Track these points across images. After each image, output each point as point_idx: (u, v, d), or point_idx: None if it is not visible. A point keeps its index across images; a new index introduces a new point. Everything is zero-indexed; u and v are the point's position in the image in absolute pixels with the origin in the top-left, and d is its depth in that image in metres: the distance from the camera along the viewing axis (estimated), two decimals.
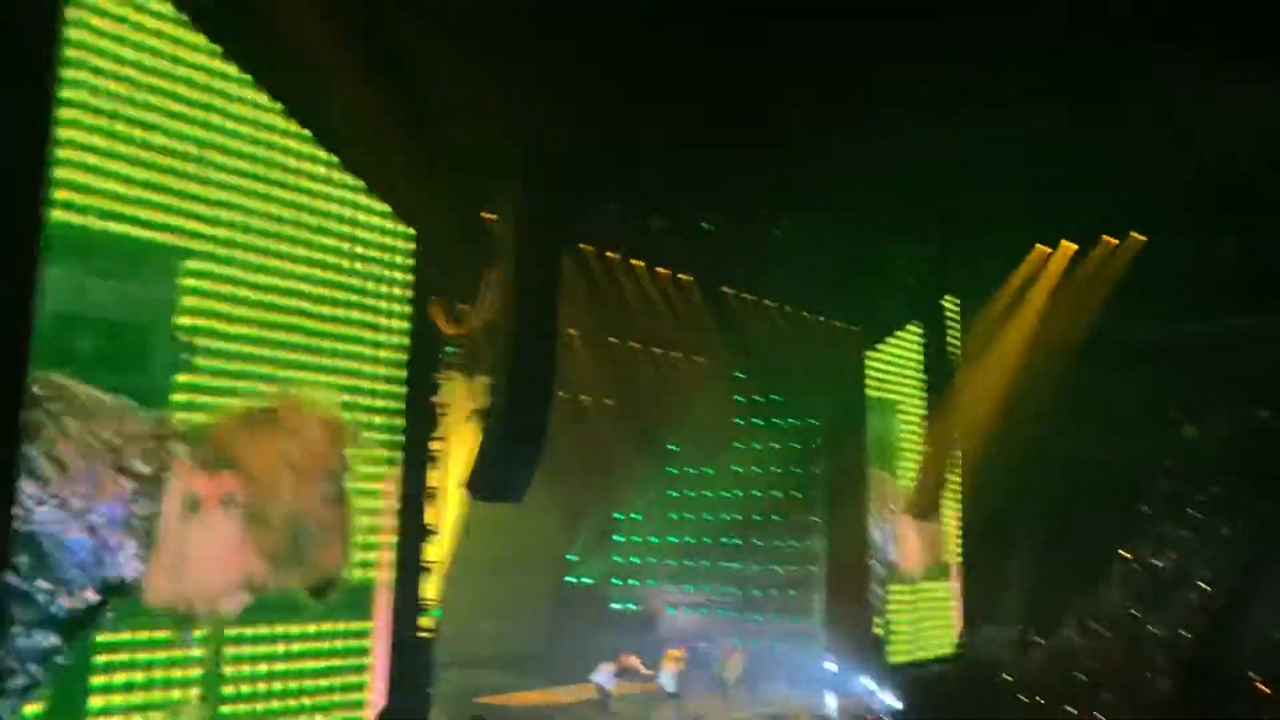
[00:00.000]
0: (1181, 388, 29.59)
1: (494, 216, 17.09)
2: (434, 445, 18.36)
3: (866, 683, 23.51)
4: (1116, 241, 26.04)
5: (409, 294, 17.38)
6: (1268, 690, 20.74)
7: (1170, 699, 21.42)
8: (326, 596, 14.91)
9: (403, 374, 17.29)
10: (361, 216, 16.59)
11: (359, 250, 16.60)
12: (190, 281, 14.15)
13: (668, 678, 21.22)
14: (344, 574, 15.15)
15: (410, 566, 17.70)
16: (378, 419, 16.97)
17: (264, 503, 13.52)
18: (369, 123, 15.70)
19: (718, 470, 27.93)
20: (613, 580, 28.74)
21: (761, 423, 27.78)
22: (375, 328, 16.89)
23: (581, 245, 20.60)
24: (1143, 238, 25.68)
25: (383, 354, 17.06)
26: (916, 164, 21.40)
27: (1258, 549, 25.83)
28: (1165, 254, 25.84)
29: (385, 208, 16.74)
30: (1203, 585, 25.23)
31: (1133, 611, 25.12)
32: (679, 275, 22.98)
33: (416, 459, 17.96)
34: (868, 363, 26.65)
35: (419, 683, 17.58)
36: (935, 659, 27.13)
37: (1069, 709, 21.55)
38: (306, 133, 15.54)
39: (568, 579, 28.21)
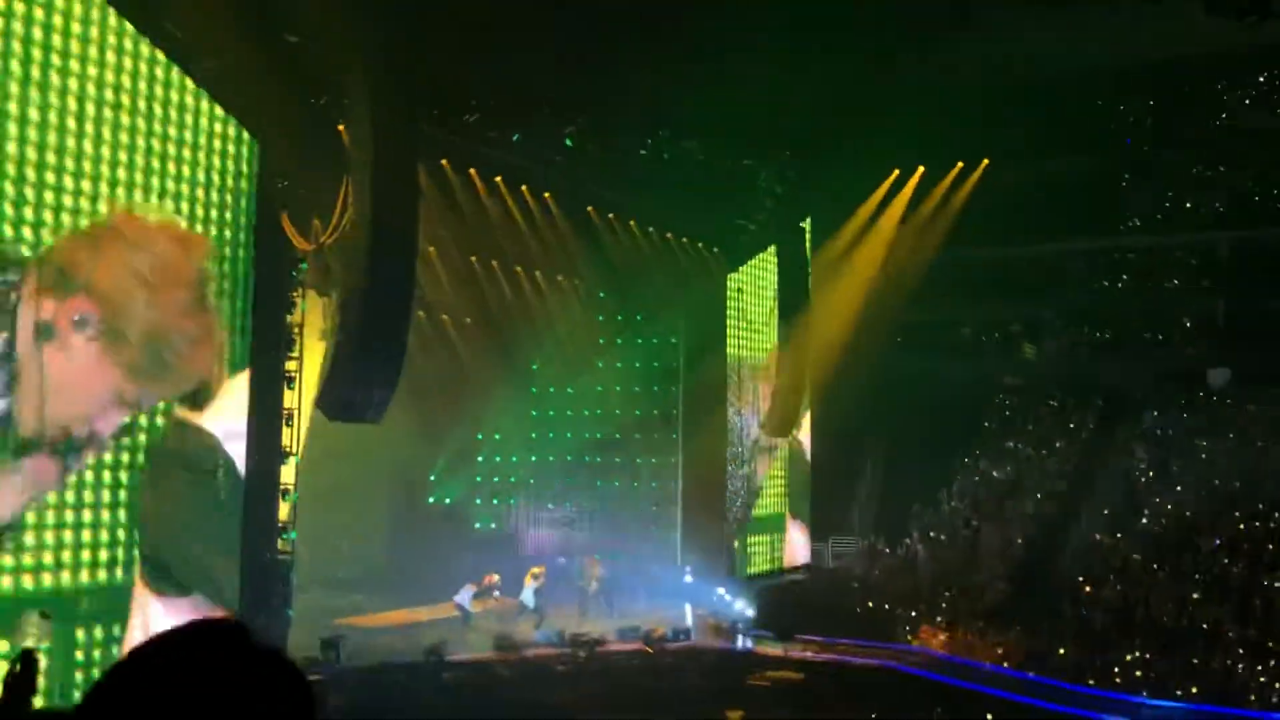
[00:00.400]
0: (1021, 308, 31.05)
1: (346, 128, 16.58)
2: (288, 365, 17.94)
3: (722, 594, 24.24)
4: (961, 164, 26.91)
5: (255, 207, 16.79)
6: (1091, 590, 22.19)
7: (1006, 601, 22.72)
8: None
9: (249, 291, 16.76)
10: (202, 123, 15.89)
11: (199, 157, 15.91)
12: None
13: (528, 594, 21.46)
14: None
15: (266, 488, 17.36)
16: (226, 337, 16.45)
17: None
18: (212, 29, 14.98)
19: (579, 390, 28.07)
20: (475, 500, 28.74)
21: (622, 342, 27.98)
22: (220, 241, 16.27)
23: (441, 161, 20.18)
24: (985, 163, 26.61)
25: (228, 269, 16.49)
26: (776, 90, 21.62)
27: (1086, 460, 27.44)
28: (1004, 181, 26.89)
29: (227, 115, 16.06)
30: (1036, 495, 26.70)
31: (972, 521, 26.45)
32: (543, 194, 22.78)
33: (269, 380, 17.52)
34: (727, 285, 27.04)
35: (277, 604, 17.37)
36: (787, 569, 28.16)
37: (912, 613, 22.65)
38: (146, 38, 14.76)
39: (429, 499, 28.09)
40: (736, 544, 26.67)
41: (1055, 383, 30.19)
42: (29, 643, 4.29)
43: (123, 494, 14.53)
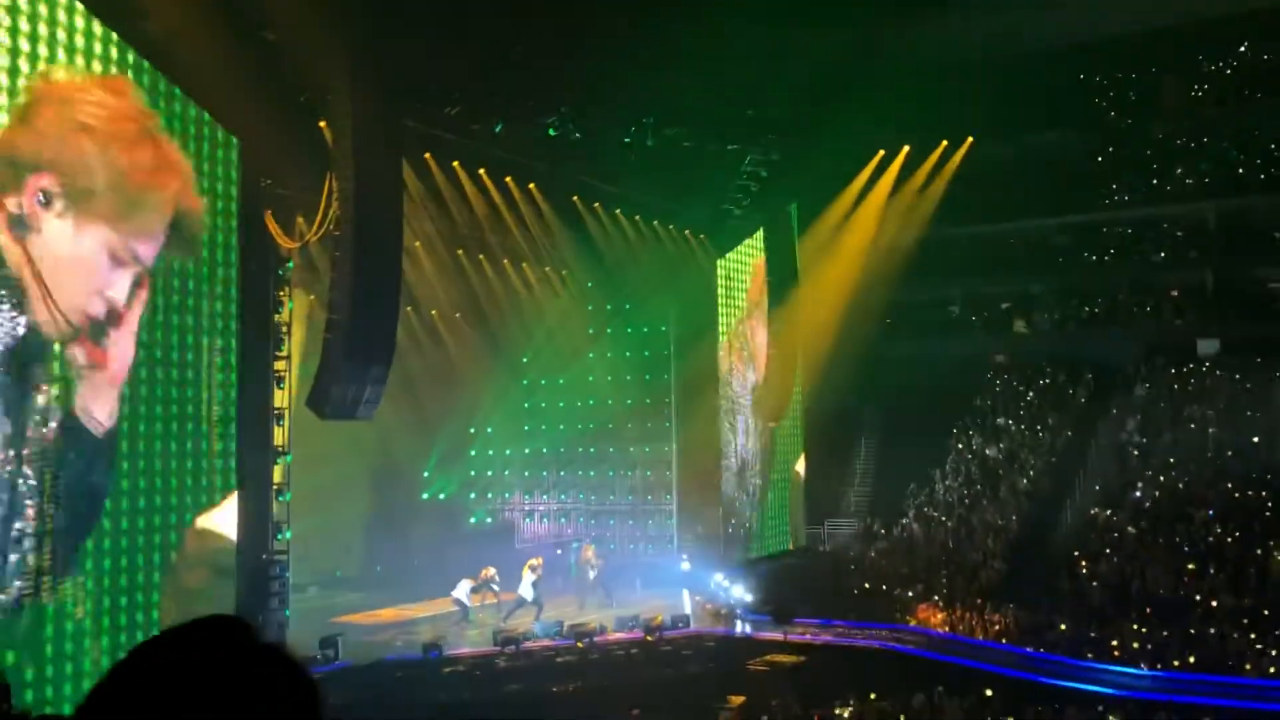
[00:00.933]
0: (1009, 285, 31.08)
1: (328, 125, 16.48)
2: (277, 365, 17.89)
3: (720, 579, 24.26)
4: (946, 143, 26.90)
5: (238, 207, 16.69)
6: (1087, 564, 22.27)
7: (1002, 578, 22.77)
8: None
9: (235, 292, 16.68)
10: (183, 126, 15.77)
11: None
12: None
13: (527, 586, 21.44)
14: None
15: (260, 488, 17.32)
16: (217, 341, 16.39)
17: (78, 178, 13.25)
18: (189, 29, 14.86)
19: (570, 380, 28.05)
20: (469, 494, 28.73)
21: (612, 332, 27.95)
22: (205, 242, 16.16)
23: (424, 154, 20.08)
24: (969, 140, 26.61)
25: (213, 271, 16.40)
26: (758, 73, 21.58)
27: (1079, 434, 27.51)
28: (989, 158, 26.90)
29: (208, 116, 15.95)
30: (1030, 471, 26.77)
31: (966, 500, 26.50)
32: (527, 185, 22.69)
33: (260, 379, 17.46)
34: (716, 270, 27.01)
35: (273, 603, 17.34)
36: (784, 553, 28.20)
37: (909, 593, 22.71)
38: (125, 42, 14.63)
39: (423, 495, 28.07)
40: (732, 530, 26.68)
41: (1046, 358, 30.25)
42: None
43: None
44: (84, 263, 13.54)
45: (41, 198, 12.96)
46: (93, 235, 13.50)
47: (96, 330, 13.79)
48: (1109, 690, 17.91)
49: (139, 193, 13.99)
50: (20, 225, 12.77)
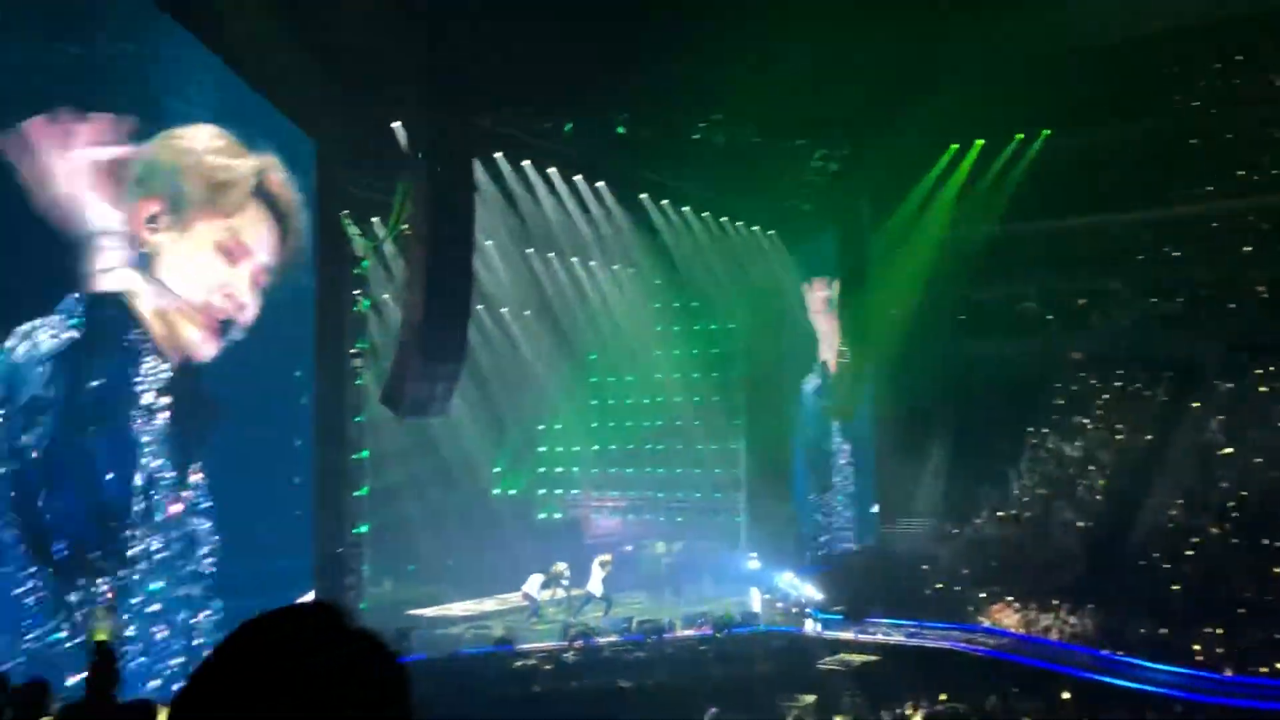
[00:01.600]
0: (1086, 281, 30.38)
1: (402, 127, 16.74)
2: (354, 363, 18.22)
3: (789, 578, 24.15)
4: (1021, 136, 26.38)
5: (315, 208, 17.05)
6: (1168, 565, 21.77)
7: (1079, 579, 22.33)
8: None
9: (313, 291, 17.05)
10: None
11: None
12: None
13: (596, 582, 21.57)
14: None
15: (335, 483, 17.67)
16: (294, 340, 16.77)
17: (170, 186, 14.03)
18: (267, 36, 15.19)
19: (639, 378, 28.11)
20: (538, 490, 28.94)
21: (681, 329, 27.93)
22: (281, 245, 16.56)
23: (495, 154, 20.29)
24: (1045, 133, 26.06)
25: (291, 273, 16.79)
26: (828, 67, 21.39)
27: (1159, 433, 26.86)
28: (1064, 151, 26.31)
29: (287, 120, 16.30)
30: (1108, 470, 26.20)
31: (1042, 499, 26.03)
32: (596, 183, 22.81)
33: (335, 377, 17.81)
34: (785, 267, 26.86)
35: (348, 596, 17.67)
36: (854, 552, 27.96)
37: (982, 593, 22.39)
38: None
39: (493, 491, 28.34)
40: (801, 528, 26.54)
41: (1124, 356, 29.50)
42: (100, 636, 4.43)
43: None
44: (199, 262, 14.16)
45: (148, 219, 13.55)
46: (197, 234, 14.09)
47: (225, 326, 14.45)
48: (1189, 695, 17.48)
49: (213, 173, 14.50)
50: (143, 261, 13.38)
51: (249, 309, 14.74)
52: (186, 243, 14.06)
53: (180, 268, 14.16)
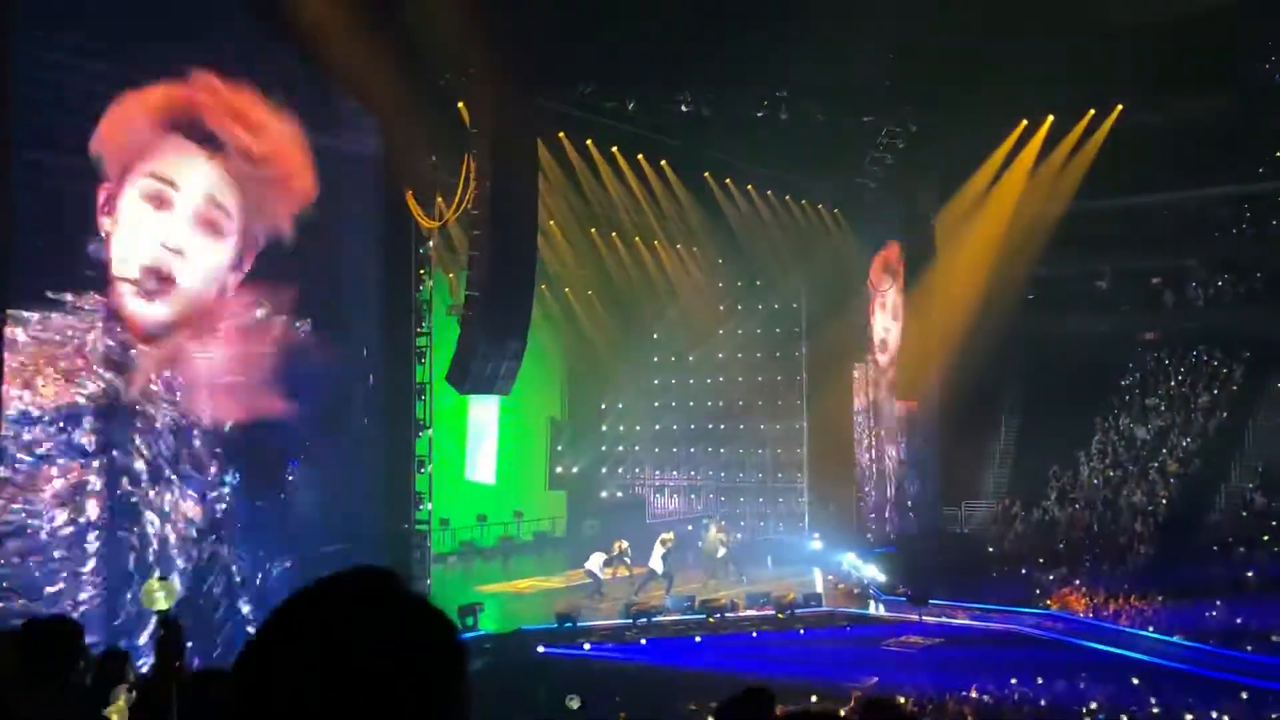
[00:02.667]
0: (1160, 259, 29.66)
1: (466, 106, 16.82)
2: (418, 341, 18.40)
3: (852, 559, 24.01)
4: (1093, 111, 25.73)
5: (380, 187, 17.21)
6: (1244, 550, 21.27)
7: (1150, 564, 21.92)
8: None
9: (380, 270, 17.23)
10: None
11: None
12: None
13: (657, 560, 21.63)
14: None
15: (402, 461, 17.89)
16: (359, 318, 16.97)
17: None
18: (333, 15, 15.30)
19: (701, 358, 28.06)
20: (600, 469, 29.08)
21: (743, 308, 27.81)
22: (349, 222, 16.73)
23: (559, 134, 20.32)
24: (1119, 108, 25.39)
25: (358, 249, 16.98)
26: (895, 43, 21.07)
27: (1235, 415, 26.22)
28: (1139, 125, 25.61)
29: (352, 99, 16.44)
30: (1181, 453, 25.64)
31: (1112, 481, 25.56)
32: (659, 162, 22.75)
33: (402, 356, 18.00)
34: (850, 246, 26.57)
35: (415, 572, 17.90)
36: (919, 534, 27.71)
37: (1049, 576, 22.08)
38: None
39: (556, 469, 28.53)
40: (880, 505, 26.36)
41: (1199, 335, 28.80)
42: (160, 606, 4.58)
43: None
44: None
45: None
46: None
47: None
48: (1263, 682, 17.06)
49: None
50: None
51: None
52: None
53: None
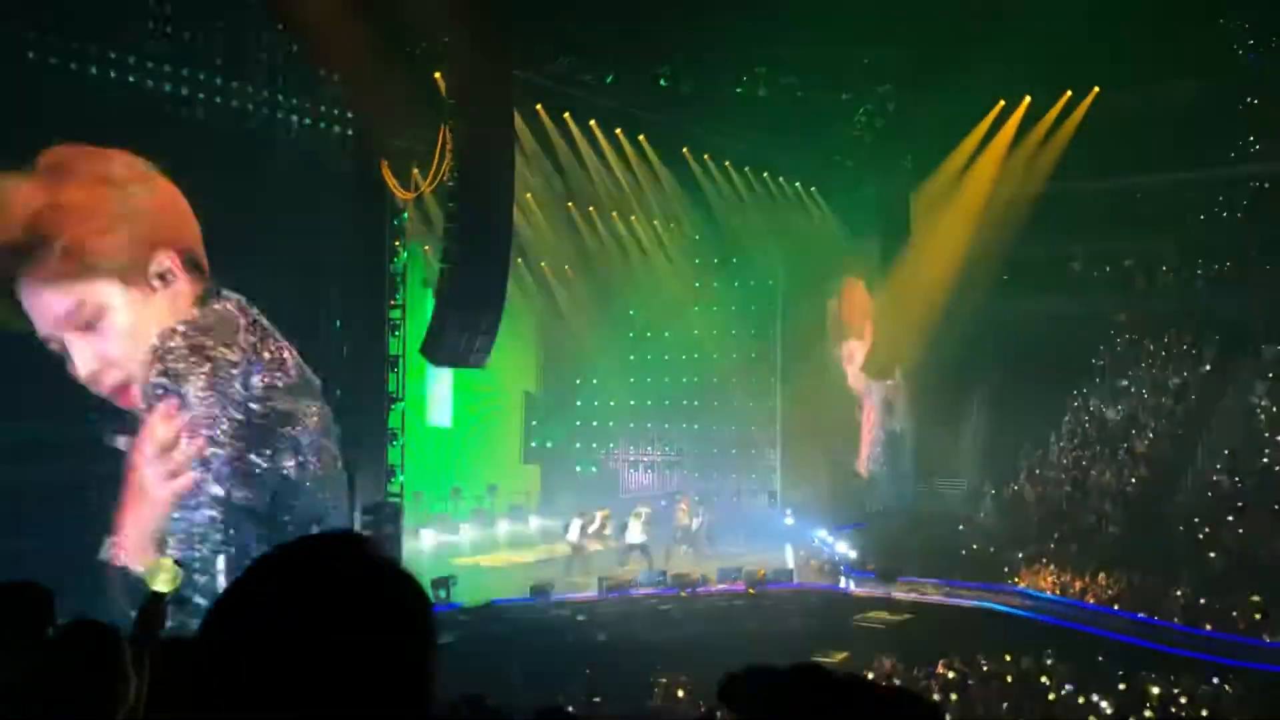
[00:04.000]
0: (1133, 241, 29.86)
1: (442, 76, 16.68)
2: (392, 314, 18.30)
3: (824, 535, 24.16)
4: (1070, 93, 25.82)
5: (354, 158, 17.07)
6: (1209, 531, 21.54)
7: (1117, 543, 22.18)
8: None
9: (353, 240, 17.11)
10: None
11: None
12: None
13: (636, 533, 21.67)
14: None
15: (374, 433, 17.84)
16: (332, 290, 16.85)
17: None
18: None
19: (676, 333, 28.06)
20: (575, 444, 29.08)
21: (719, 285, 27.81)
22: (322, 192, 16.60)
23: (535, 106, 20.18)
24: (1095, 90, 25.50)
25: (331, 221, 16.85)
26: (874, 20, 21.01)
27: (1203, 397, 26.50)
28: (1114, 108, 25.73)
29: (325, 67, 16.26)
30: (1150, 434, 25.91)
31: (1082, 462, 25.81)
32: (637, 136, 22.65)
33: (374, 328, 17.91)
34: (825, 224, 26.60)
35: (388, 547, 17.89)
36: (891, 511, 27.91)
37: (1019, 554, 22.30)
38: None
39: (530, 443, 28.52)
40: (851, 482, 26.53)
41: (1170, 318, 29.05)
42: (159, 587, 4.57)
43: None
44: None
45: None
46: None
47: None
48: (1228, 661, 17.34)
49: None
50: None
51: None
52: None
53: None
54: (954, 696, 15.57)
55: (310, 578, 1.24)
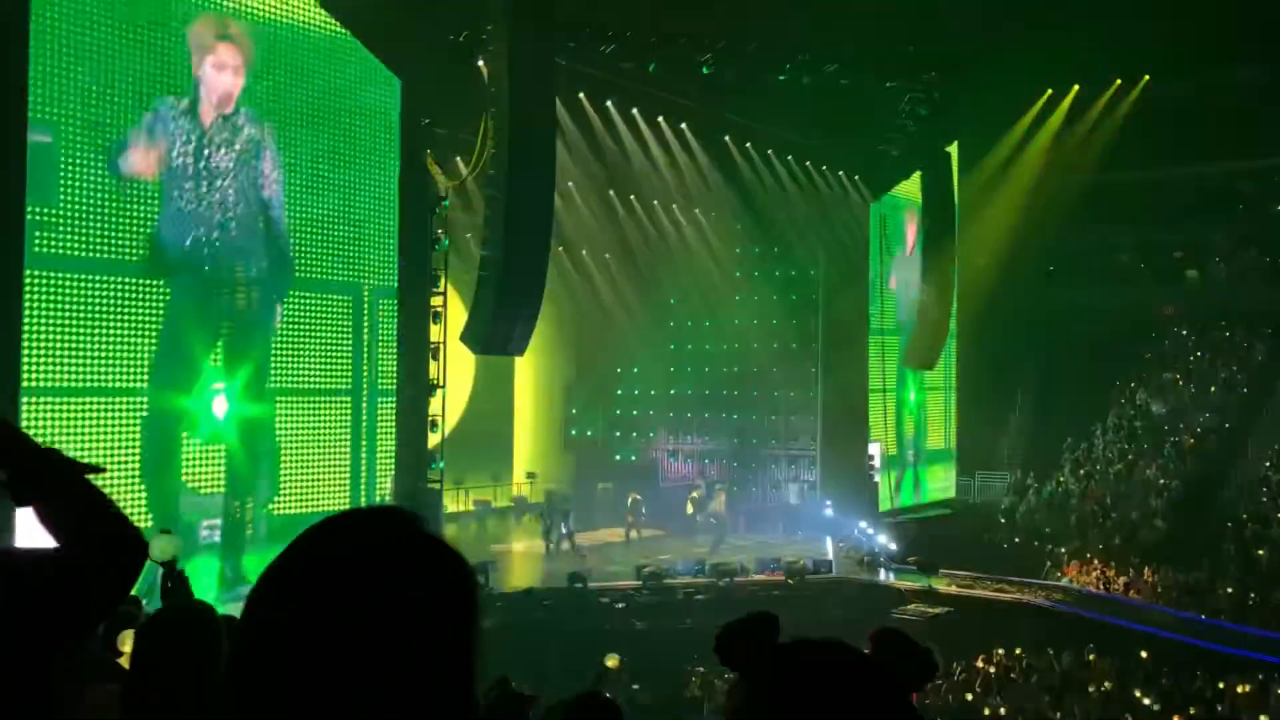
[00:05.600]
0: (1183, 232, 29.34)
1: (485, 64, 16.72)
2: (433, 301, 18.40)
3: (864, 527, 24.03)
4: (1119, 81, 25.40)
5: (399, 146, 17.17)
6: (1257, 527, 21.15)
7: (1163, 538, 21.86)
8: None
9: (396, 227, 17.24)
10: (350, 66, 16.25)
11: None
12: None
13: (703, 510, 21.74)
14: None
15: (415, 420, 17.96)
16: (373, 278, 17.00)
17: None
18: None
19: (717, 323, 27.99)
20: (615, 433, 29.13)
21: (761, 275, 27.67)
22: (368, 180, 16.72)
23: (578, 94, 20.18)
24: (1145, 78, 25.08)
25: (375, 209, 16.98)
26: (922, 7, 20.81)
27: (1254, 392, 26.02)
28: (1165, 97, 25.28)
29: (371, 57, 16.37)
30: (1198, 429, 25.49)
31: (1128, 456, 25.45)
32: (680, 125, 22.58)
33: (416, 315, 18.02)
34: (869, 213, 26.38)
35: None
36: (931, 503, 27.72)
37: (1062, 549, 22.05)
38: None
39: (571, 432, 28.61)
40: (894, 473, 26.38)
41: (1220, 311, 28.55)
42: (155, 557, 4.70)
43: None
44: None
45: None
46: None
47: None
48: (1274, 659, 17.05)
49: None
50: None
51: None
52: None
53: None
54: (995, 691, 15.45)
55: (358, 552, 1.25)
